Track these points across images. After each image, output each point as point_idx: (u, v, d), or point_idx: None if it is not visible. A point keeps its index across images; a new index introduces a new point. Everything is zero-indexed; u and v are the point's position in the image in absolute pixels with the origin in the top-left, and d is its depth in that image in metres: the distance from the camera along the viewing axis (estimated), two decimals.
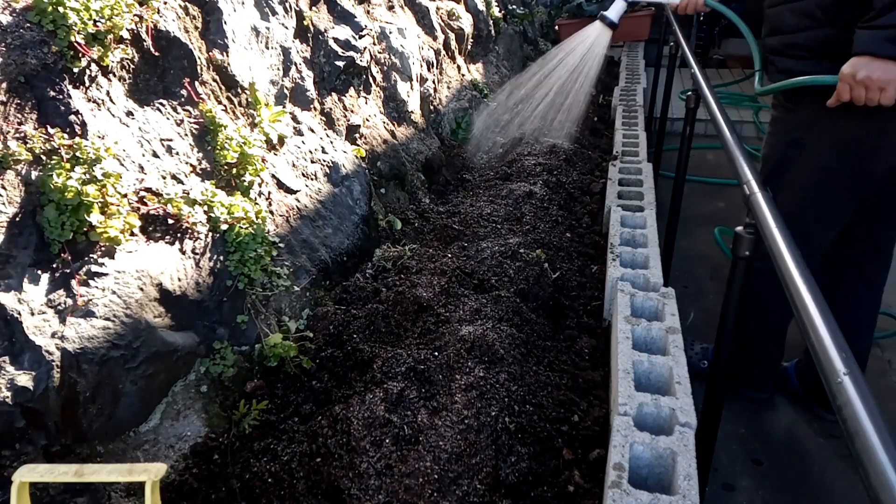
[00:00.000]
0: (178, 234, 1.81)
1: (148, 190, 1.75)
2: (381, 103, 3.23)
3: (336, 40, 2.86)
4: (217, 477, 1.61)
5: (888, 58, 1.51)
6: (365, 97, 3.06)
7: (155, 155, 1.83)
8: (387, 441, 1.55)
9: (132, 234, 1.68)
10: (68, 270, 1.51)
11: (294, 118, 2.54)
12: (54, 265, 1.50)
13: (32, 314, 1.41)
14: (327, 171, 2.57)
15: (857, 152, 1.75)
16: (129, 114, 1.80)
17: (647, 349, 1.80)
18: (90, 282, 1.53)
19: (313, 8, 2.83)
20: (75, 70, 1.64)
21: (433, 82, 3.81)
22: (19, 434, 1.36)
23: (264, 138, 2.27)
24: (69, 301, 1.48)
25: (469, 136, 4.11)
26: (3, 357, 1.35)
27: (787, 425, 2.22)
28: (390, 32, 3.33)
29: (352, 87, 2.95)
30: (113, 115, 1.75)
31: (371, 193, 2.78)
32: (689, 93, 2.40)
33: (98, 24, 1.67)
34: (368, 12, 3.33)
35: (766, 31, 1.94)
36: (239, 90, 2.24)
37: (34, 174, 1.49)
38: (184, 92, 1.99)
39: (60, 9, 1.59)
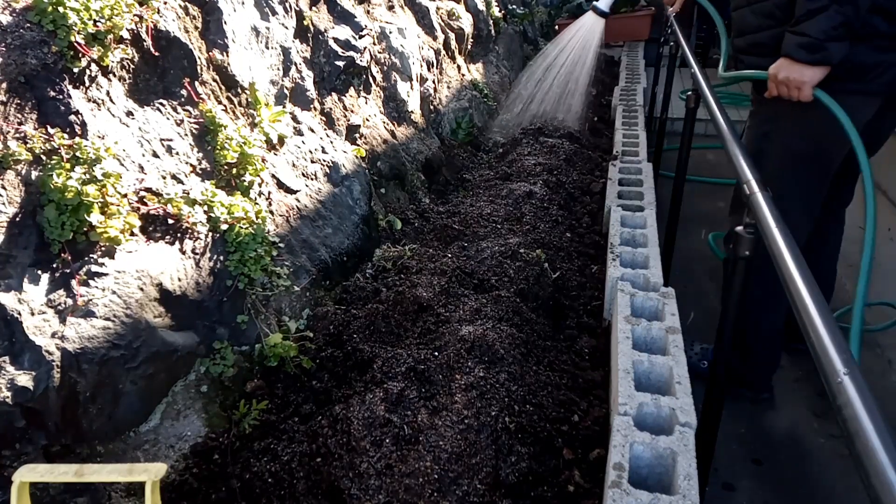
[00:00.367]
0: (178, 234, 1.81)
1: (148, 190, 1.75)
2: (381, 103, 3.23)
3: (336, 40, 2.86)
4: (217, 477, 1.61)
5: (801, 62, 1.68)
6: (365, 97, 3.06)
7: (155, 155, 1.83)
8: (387, 441, 1.55)
9: (132, 234, 1.68)
10: (68, 270, 1.51)
11: (294, 118, 2.55)
12: (54, 265, 1.50)
13: (32, 314, 1.41)
14: (327, 170, 2.57)
15: (818, 139, 1.85)
16: (129, 114, 1.80)
17: (648, 349, 1.80)
18: (90, 282, 1.53)
19: (313, 8, 2.83)
20: (75, 70, 1.64)
21: (433, 82, 3.81)
22: (19, 434, 1.36)
23: (264, 138, 2.27)
24: (69, 301, 1.48)
25: (469, 135, 4.11)
26: (3, 357, 1.35)
27: (787, 425, 2.22)
28: (390, 32, 3.33)
29: (352, 87, 2.95)
30: (113, 115, 1.75)
31: (371, 193, 2.78)
32: (689, 93, 2.40)
33: (98, 24, 1.67)
34: (368, 12, 3.33)
35: (734, 33, 2.06)
36: (239, 90, 2.24)
37: (34, 174, 1.49)
38: (184, 92, 1.99)
39: (60, 9, 1.59)
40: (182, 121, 1.97)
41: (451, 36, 4.30)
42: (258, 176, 2.16)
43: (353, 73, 2.92)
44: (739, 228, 1.32)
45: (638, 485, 1.35)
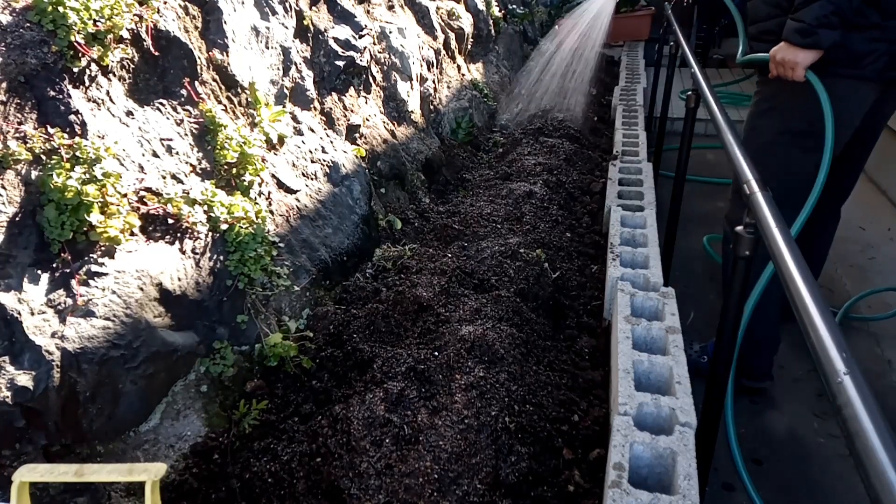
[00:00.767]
0: (178, 234, 1.81)
1: (148, 190, 1.75)
2: (381, 103, 3.23)
3: (336, 40, 2.86)
4: (217, 477, 1.61)
5: (795, 45, 1.88)
6: (365, 97, 3.06)
7: (155, 155, 1.83)
8: (387, 441, 1.55)
9: (132, 233, 1.68)
10: (68, 270, 1.51)
11: (294, 118, 2.54)
12: (54, 265, 1.50)
13: (32, 314, 1.41)
14: (327, 170, 2.57)
15: (812, 120, 1.98)
16: (129, 113, 1.80)
17: (648, 349, 1.80)
18: (90, 282, 1.53)
19: (313, 8, 2.83)
20: (75, 70, 1.64)
21: (433, 82, 3.81)
22: (19, 434, 1.36)
23: (264, 138, 2.27)
24: (69, 301, 1.48)
25: (469, 135, 4.11)
26: (3, 357, 1.35)
27: (787, 425, 2.22)
28: (390, 32, 3.33)
29: (352, 87, 2.95)
30: (113, 115, 1.75)
31: (371, 193, 2.78)
32: (689, 92, 2.40)
33: (98, 23, 1.67)
34: (368, 12, 3.33)
35: (749, 23, 2.27)
36: (239, 90, 2.24)
37: (34, 174, 1.49)
38: (184, 92, 1.99)
39: (60, 9, 1.59)
40: (182, 120, 1.97)
41: (451, 36, 4.30)
42: (258, 176, 2.16)
43: (353, 72, 2.92)
44: (739, 228, 1.32)
45: (638, 485, 1.35)
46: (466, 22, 4.57)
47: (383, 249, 2.66)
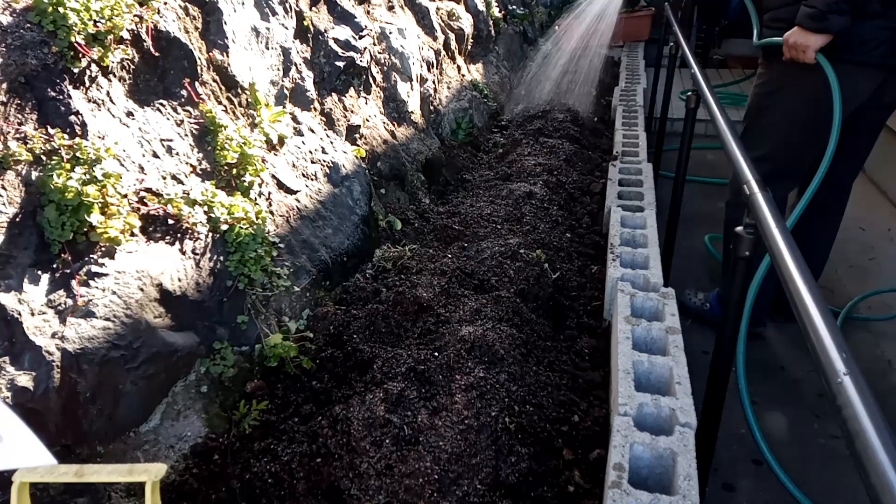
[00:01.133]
0: (179, 235, 1.81)
1: (148, 190, 1.75)
2: (381, 103, 3.23)
3: (336, 40, 2.86)
4: (217, 477, 1.61)
5: (807, 29, 2.01)
6: (365, 97, 3.06)
7: (155, 155, 1.83)
8: (387, 441, 1.55)
9: (132, 234, 1.68)
10: (68, 271, 1.51)
11: (294, 118, 2.55)
12: (54, 265, 1.50)
13: (33, 314, 1.41)
14: (327, 171, 2.57)
15: (816, 101, 2.10)
16: (130, 114, 1.80)
17: (648, 349, 1.80)
18: (90, 282, 1.53)
19: (313, 8, 2.83)
20: (75, 70, 1.64)
21: (433, 82, 3.81)
22: None
23: (264, 138, 2.27)
24: (69, 301, 1.48)
25: (469, 135, 4.11)
26: (3, 357, 1.35)
27: (788, 425, 2.22)
28: (390, 33, 3.33)
29: (352, 88, 2.95)
30: (113, 116, 1.75)
31: (371, 194, 2.79)
32: (689, 93, 2.40)
33: (98, 24, 1.67)
34: (368, 12, 3.33)
35: (763, 11, 2.38)
36: (239, 90, 2.24)
37: (34, 174, 1.49)
38: (184, 92, 1.99)
39: (60, 9, 1.59)
40: (182, 121, 1.97)
41: (451, 36, 4.30)
42: (258, 176, 2.16)
43: (353, 73, 2.92)
44: (739, 229, 1.32)
45: (638, 485, 1.35)
46: (466, 22, 4.57)
47: (383, 250, 2.66)
